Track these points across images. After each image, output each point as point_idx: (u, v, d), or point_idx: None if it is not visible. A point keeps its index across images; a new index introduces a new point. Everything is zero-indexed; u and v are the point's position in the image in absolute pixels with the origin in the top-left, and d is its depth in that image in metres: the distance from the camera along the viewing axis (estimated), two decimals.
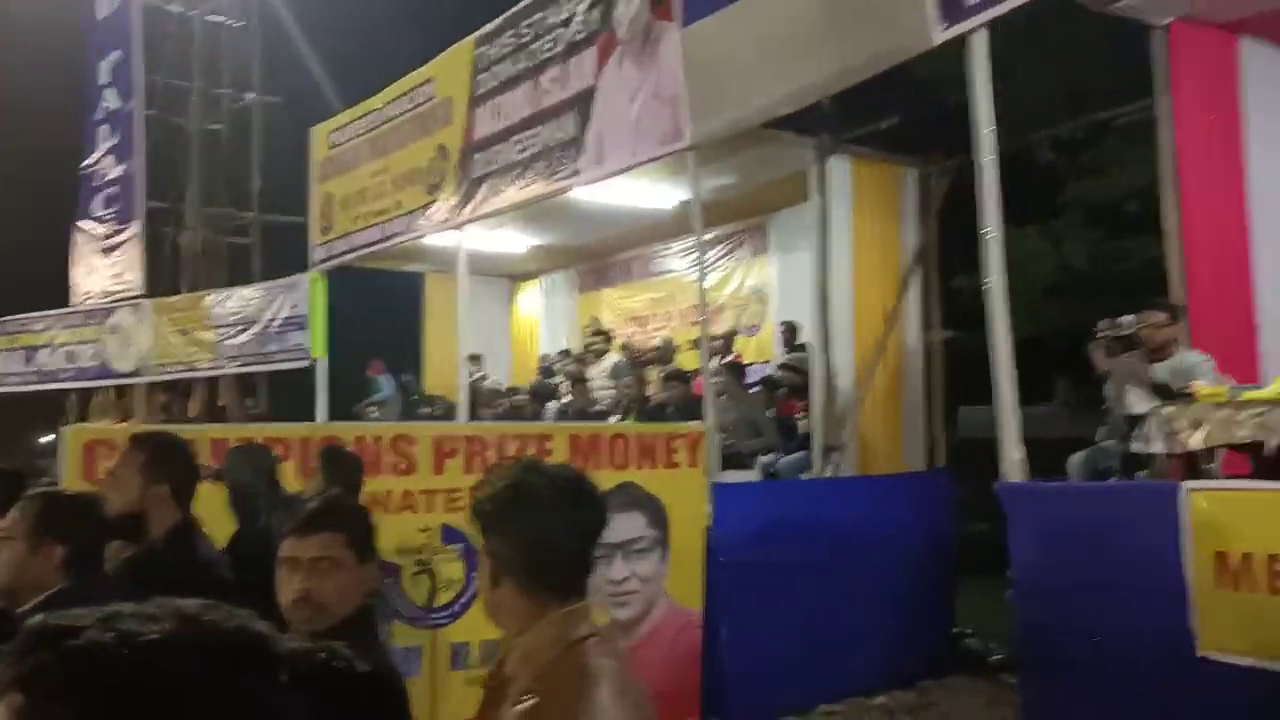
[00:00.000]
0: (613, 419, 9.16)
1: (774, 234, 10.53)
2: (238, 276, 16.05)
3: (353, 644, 1.69)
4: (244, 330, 12.74)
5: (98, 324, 14.99)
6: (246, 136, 17.54)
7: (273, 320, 12.29)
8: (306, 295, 11.69)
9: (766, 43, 6.22)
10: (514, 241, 11.54)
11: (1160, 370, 5.39)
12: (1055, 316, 10.88)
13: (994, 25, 5.10)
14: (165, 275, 16.56)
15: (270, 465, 4.35)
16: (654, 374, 9.98)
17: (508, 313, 14.10)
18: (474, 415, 9.94)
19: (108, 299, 15.28)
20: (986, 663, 6.88)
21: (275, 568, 2.18)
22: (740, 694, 6.05)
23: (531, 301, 13.95)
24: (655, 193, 9.07)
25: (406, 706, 2.03)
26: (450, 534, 5.32)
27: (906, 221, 8.58)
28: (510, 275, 13.69)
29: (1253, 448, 4.76)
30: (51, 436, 6.53)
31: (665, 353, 10.71)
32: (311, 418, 10.41)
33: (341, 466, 4.49)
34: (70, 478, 4.44)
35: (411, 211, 9.67)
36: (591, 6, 7.59)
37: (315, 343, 11.62)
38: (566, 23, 7.83)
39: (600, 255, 12.57)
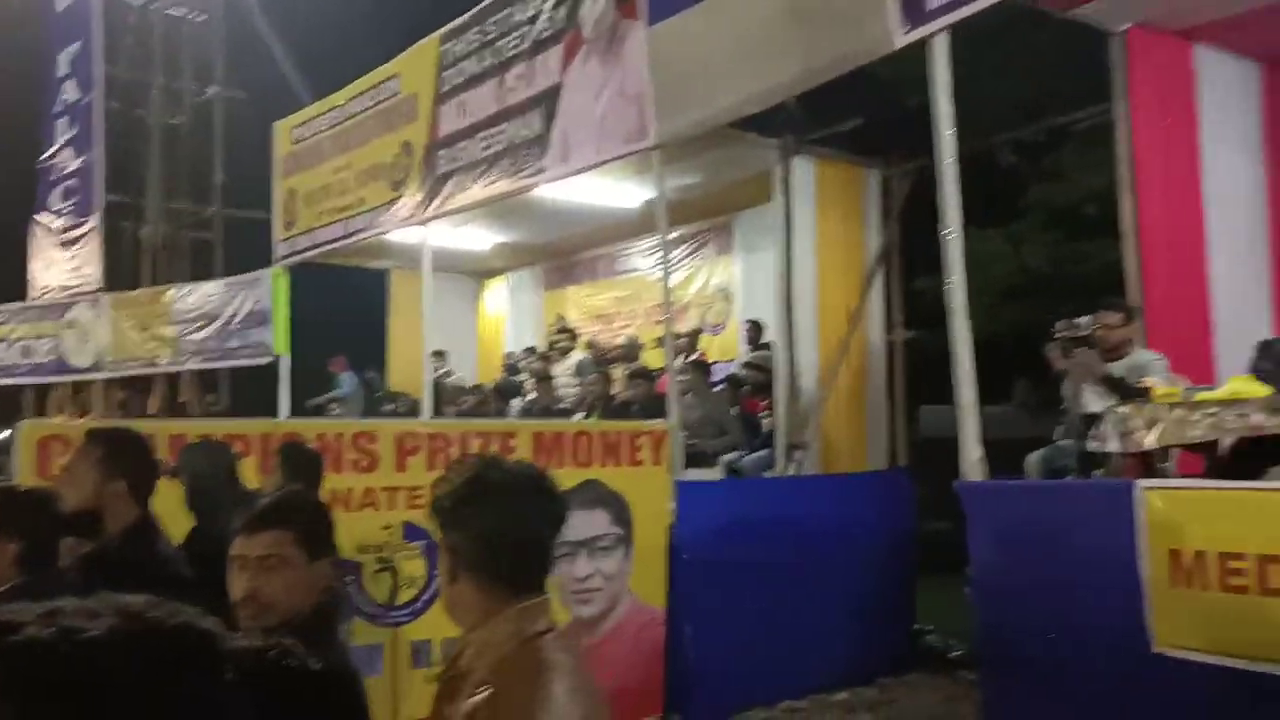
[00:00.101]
0: (577, 417, 9.16)
1: (739, 233, 10.58)
2: (200, 272, 15.86)
3: (309, 642, 1.68)
4: (205, 326, 12.59)
5: (55, 319, 14.76)
6: (209, 130, 17.34)
7: (235, 316, 12.16)
8: (269, 291, 11.58)
9: (731, 42, 6.25)
10: (479, 239, 11.51)
11: (1115, 368, 5.49)
12: (1015, 318, 11.00)
13: (955, 29, 5.15)
14: (126, 270, 16.34)
15: (229, 462, 4.31)
16: (619, 372, 10.00)
17: (473, 310, 14.06)
18: (438, 412, 9.90)
19: (66, 293, 15.05)
20: (946, 659, 6.95)
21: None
22: (703, 691, 6.08)
23: (497, 299, 13.92)
24: (621, 191, 9.07)
25: (363, 705, 2.03)
26: (412, 531, 5.30)
27: (869, 222, 8.65)
28: (476, 272, 13.65)
29: (1206, 447, 4.85)
30: (7, 433, 6.42)
31: (630, 351, 10.73)
32: (274, 415, 10.32)
33: (301, 463, 4.45)
34: (24, 474, 4.38)
35: (376, 208, 9.61)
36: (557, 4, 7.57)
37: (278, 339, 11.51)
38: (532, 20, 7.80)
39: (566, 253, 12.56)
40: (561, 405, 10.04)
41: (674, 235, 9.63)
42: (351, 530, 5.03)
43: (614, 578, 6.03)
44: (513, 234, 11.48)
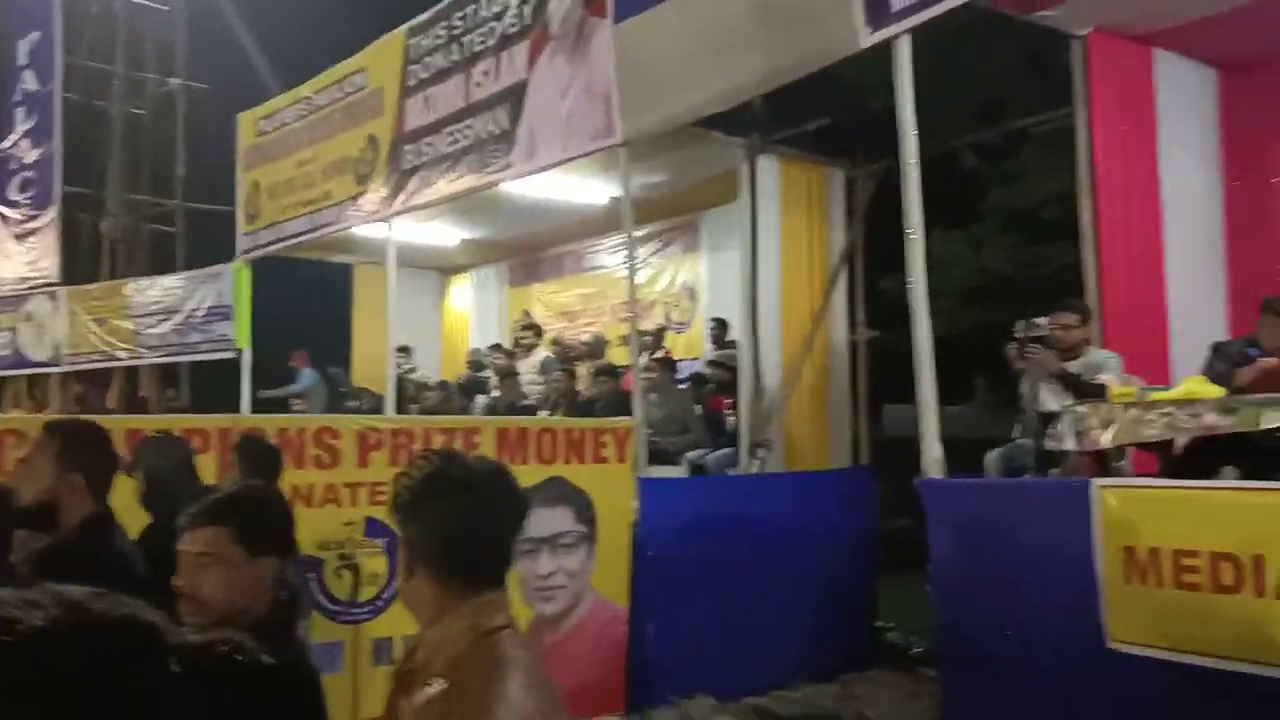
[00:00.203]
0: (542, 414, 9.14)
1: (705, 232, 10.60)
2: (161, 265, 15.64)
3: (264, 638, 1.67)
4: (165, 320, 12.42)
5: (12, 311, 14.51)
6: (171, 122, 17.12)
7: (196, 310, 12.00)
8: (231, 285, 11.45)
9: (697, 41, 6.26)
10: (445, 234, 11.45)
11: (1071, 367, 5.57)
12: (977, 319, 11.12)
13: (919, 32, 5.19)
14: (85, 263, 16.11)
15: (186, 457, 4.27)
16: (584, 369, 9.99)
17: (438, 306, 13.99)
18: (401, 409, 9.84)
19: (23, 286, 14.82)
20: (907, 656, 7.00)
21: None
22: (665, 688, 6.09)
23: (463, 295, 13.86)
24: (587, 188, 9.06)
25: (320, 702, 2.01)
26: (374, 528, 5.27)
27: (834, 222, 8.69)
28: (441, 268, 13.58)
29: (1161, 447, 4.93)
30: None
31: (595, 348, 10.72)
32: (236, 410, 10.22)
33: (259, 458, 4.41)
34: None
35: (340, 202, 9.53)
36: (524, 0, 7.56)
37: (240, 334, 11.38)
38: (499, 16, 7.78)
39: (532, 250, 12.53)
40: (526, 402, 10.02)
41: (640, 233, 9.63)
42: (313, 527, 4.99)
43: (577, 575, 6.02)
44: (479, 230, 11.43)
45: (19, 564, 2.73)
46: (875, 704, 6.34)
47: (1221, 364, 5.21)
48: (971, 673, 4.85)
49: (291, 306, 12.74)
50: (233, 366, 11.27)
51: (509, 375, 10.43)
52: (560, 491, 5.98)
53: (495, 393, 10.64)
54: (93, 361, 13.61)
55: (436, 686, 1.62)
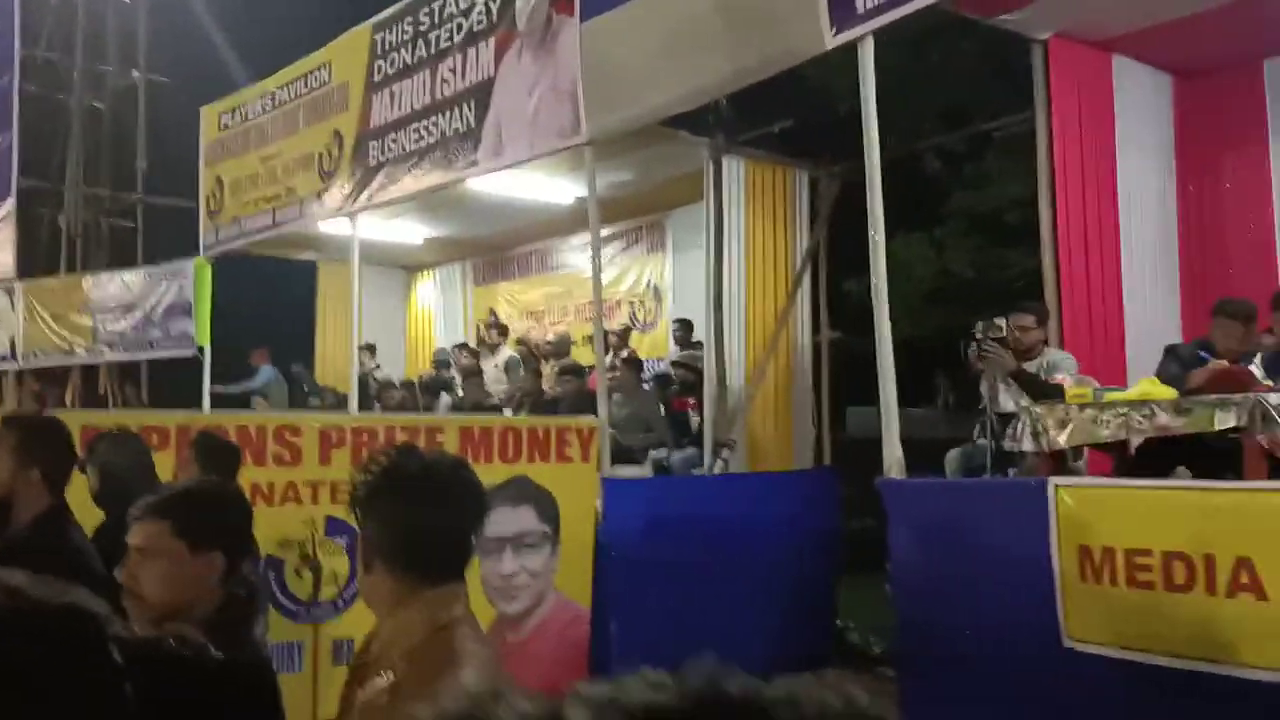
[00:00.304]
0: (507, 413, 9.12)
1: (671, 231, 10.62)
2: (120, 260, 15.43)
3: (216, 634, 1.66)
4: (125, 316, 12.26)
5: None
6: (132, 115, 16.90)
7: (156, 306, 11.83)
8: (192, 281, 11.31)
9: (664, 40, 6.26)
10: (410, 232, 11.39)
11: (1028, 367, 5.65)
12: (939, 321, 11.21)
13: (884, 35, 5.22)
14: (42, 258, 15.86)
15: (142, 454, 4.22)
16: (549, 368, 9.98)
17: (403, 304, 13.92)
18: (364, 408, 9.78)
19: None
20: (867, 656, 7.05)
21: None
22: None
23: (427, 293, 13.79)
24: (553, 187, 9.05)
25: (275, 699, 2.00)
26: (335, 526, 5.24)
27: (798, 223, 8.73)
28: (406, 266, 13.52)
29: (1115, 447, 5.00)
30: None
31: (560, 347, 10.71)
32: (197, 408, 10.10)
33: (216, 455, 4.36)
34: None
35: (304, 198, 9.45)
36: None
37: (201, 331, 11.25)
38: (466, 12, 7.74)
39: (498, 248, 12.50)
40: (491, 401, 9.99)
41: (606, 232, 9.64)
42: (273, 525, 4.96)
43: (539, 574, 6.01)
44: (444, 228, 11.38)
45: None
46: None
47: (1175, 366, 5.29)
48: (930, 672, 4.88)
49: (254, 304, 12.63)
50: (193, 364, 11.15)
51: (474, 374, 10.39)
52: (524, 491, 5.97)
53: (459, 392, 10.60)
54: (50, 358, 13.41)
55: (386, 678, 1.62)
